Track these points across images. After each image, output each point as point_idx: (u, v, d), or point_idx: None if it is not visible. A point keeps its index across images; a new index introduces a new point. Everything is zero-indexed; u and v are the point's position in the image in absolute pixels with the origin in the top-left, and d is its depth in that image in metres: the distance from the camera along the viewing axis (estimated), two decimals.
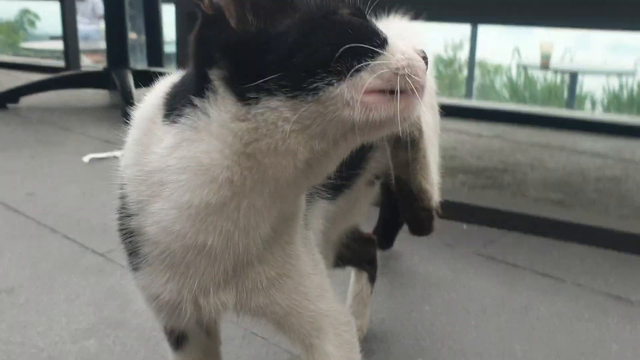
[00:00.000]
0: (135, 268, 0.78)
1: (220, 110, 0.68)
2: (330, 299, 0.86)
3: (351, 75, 0.66)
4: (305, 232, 0.84)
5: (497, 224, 2.03)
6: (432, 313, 1.48)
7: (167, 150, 0.71)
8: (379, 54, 0.67)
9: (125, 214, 0.76)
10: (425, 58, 0.71)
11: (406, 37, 1.13)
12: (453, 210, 2.08)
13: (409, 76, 0.67)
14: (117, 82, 3.67)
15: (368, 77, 0.66)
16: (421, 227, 1.12)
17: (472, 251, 1.84)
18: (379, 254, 1.79)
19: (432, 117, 1.12)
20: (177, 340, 0.92)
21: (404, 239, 1.89)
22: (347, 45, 0.66)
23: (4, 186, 2.28)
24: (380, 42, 0.68)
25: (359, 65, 0.66)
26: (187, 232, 0.71)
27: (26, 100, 3.80)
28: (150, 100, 0.80)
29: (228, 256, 0.74)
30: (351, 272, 1.42)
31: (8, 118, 3.51)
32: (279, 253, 0.79)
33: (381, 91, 0.67)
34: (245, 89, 0.66)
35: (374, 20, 0.74)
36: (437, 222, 1.47)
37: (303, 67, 0.65)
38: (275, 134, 0.67)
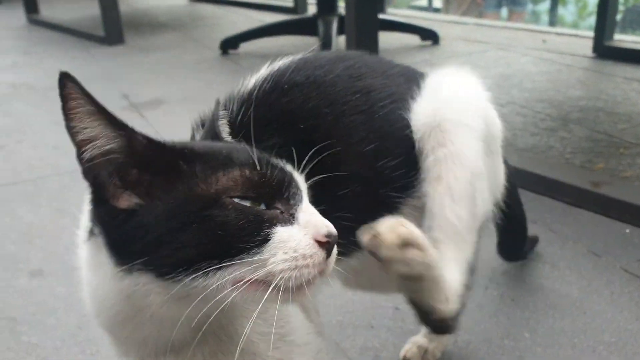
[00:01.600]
0: None
1: (104, 262, 0.69)
2: None
3: (223, 269, 0.64)
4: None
5: None
6: (529, 343, 1.34)
7: (84, 260, 0.76)
8: (252, 257, 0.64)
9: None
10: (328, 243, 0.67)
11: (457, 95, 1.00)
12: (618, 209, 1.81)
13: (289, 277, 0.65)
14: (321, 29, 3.75)
15: (241, 273, 0.64)
16: (437, 331, 1.01)
17: (620, 265, 1.59)
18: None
19: (466, 208, 0.98)
20: None
21: (542, 241, 1.71)
22: (210, 265, 0.63)
23: None
24: (258, 242, 0.64)
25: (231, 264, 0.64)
26: (105, 324, 0.77)
27: (245, 47, 4.11)
28: None
29: (151, 345, 0.76)
30: None
31: (226, 65, 3.85)
32: (213, 337, 0.78)
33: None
34: (118, 259, 0.67)
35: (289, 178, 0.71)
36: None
37: (167, 262, 0.64)
38: (148, 303, 0.67)
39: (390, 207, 0.99)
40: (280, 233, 0.66)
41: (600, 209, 1.84)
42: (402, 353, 1.29)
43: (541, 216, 1.84)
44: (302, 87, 0.92)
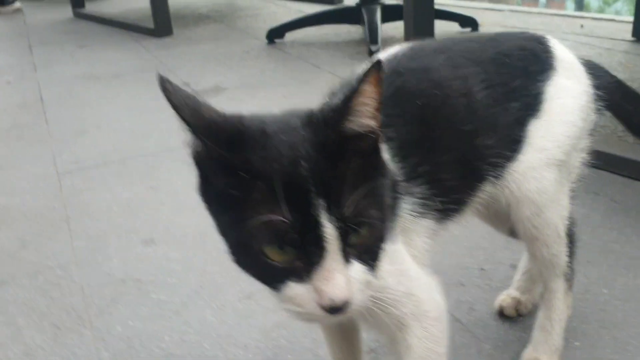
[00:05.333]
0: None
1: None
2: (417, 300, 0.96)
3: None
4: (393, 247, 0.93)
5: None
6: (608, 297, 1.49)
7: None
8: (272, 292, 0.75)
9: None
10: (334, 308, 0.71)
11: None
12: None
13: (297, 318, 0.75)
14: (365, 18, 3.90)
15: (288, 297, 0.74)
16: None
17: None
18: (581, 219, 1.80)
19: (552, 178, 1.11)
20: None
21: (606, 211, 1.85)
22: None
23: None
24: (273, 286, 0.73)
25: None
26: None
27: (290, 36, 4.27)
28: None
29: None
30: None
31: (274, 54, 4.01)
32: None
33: None
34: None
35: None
36: None
37: (229, 250, 0.77)
38: None
39: (481, 177, 1.11)
40: (290, 289, 0.72)
41: None
42: (497, 302, 1.45)
43: (602, 189, 1.99)
44: (415, 71, 1.04)
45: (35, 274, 1.70)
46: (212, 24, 5.05)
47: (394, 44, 1.14)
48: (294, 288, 0.71)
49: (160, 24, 4.57)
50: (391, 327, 0.97)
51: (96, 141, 2.66)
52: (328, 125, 0.74)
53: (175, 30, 4.68)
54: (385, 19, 3.91)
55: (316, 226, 0.69)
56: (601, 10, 8.68)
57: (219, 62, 3.87)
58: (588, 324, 1.41)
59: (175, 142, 2.38)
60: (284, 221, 0.68)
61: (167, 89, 0.73)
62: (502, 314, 1.44)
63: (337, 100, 0.75)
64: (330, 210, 0.69)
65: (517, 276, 1.48)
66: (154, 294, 1.60)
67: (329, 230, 0.70)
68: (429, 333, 0.99)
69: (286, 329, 1.43)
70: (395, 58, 1.09)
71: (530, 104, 1.10)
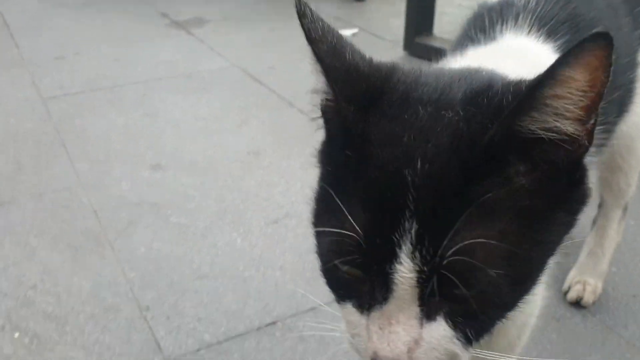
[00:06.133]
0: None
1: None
2: None
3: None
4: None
5: None
6: (636, 227, 1.51)
7: None
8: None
9: None
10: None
11: None
12: None
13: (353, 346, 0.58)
14: None
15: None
16: None
17: None
18: None
19: None
20: None
21: None
22: None
23: (251, 58, 2.61)
24: (359, 305, 0.56)
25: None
26: None
27: None
28: None
29: None
30: None
31: None
32: None
33: None
34: None
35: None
36: None
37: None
38: None
39: (622, 112, 1.02)
40: (347, 312, 0.56)
41: None
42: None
43: None
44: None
45: (40, 195, 1.59)
46: None
47: None
48: (351, 313, 0.55)
49: None
50: None
51: (77, 67, 2.49)
52: (494, 115, 0.50)
53: None
54: None
55: (392, 258, 0.50)
56: None
57: None
58: (622, 253, 1.42)
59: (165, 71, 2.28)
60: (352, 236, 0.51)
61: (305, 14, 0.58)
62: None
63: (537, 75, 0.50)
64: (421, 243, 0.49)
65: None
66: (173, 217, 1.52)
67: (403, 271, 0.50)
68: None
69: None
70: None
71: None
